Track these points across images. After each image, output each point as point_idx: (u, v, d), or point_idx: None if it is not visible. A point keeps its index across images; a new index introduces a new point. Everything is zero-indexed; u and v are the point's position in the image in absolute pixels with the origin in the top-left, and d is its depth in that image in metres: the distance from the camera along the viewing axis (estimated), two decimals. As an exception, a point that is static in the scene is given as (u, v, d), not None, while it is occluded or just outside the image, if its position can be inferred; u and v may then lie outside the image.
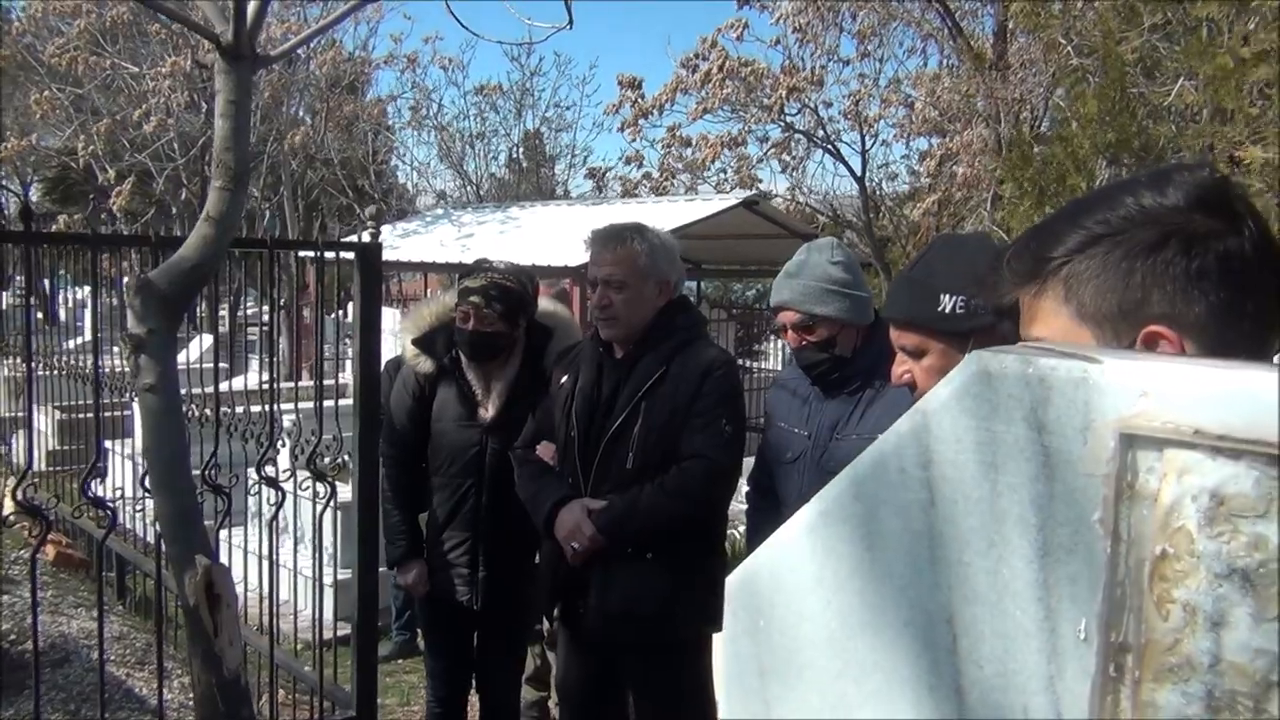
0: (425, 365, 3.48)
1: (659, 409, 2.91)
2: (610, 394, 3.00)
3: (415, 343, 3.50)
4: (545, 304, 3.58)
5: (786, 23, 15.15)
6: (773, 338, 17.76)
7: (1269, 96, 4.90)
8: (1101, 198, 1.08)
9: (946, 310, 1.95)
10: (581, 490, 2.99)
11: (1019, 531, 0.66)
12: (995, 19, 6.82)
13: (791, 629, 0.85)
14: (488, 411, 3.43)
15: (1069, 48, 5.75)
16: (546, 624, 4.48)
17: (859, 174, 17.24)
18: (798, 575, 0.85)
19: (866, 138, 16.98)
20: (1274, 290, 0.99)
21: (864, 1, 12.97)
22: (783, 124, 16.33)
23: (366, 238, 3.59)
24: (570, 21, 4.07)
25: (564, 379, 3.14)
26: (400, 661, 5.59)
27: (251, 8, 2.63)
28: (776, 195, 17.74)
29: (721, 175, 18.11)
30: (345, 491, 4.02)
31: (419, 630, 5.66)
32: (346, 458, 3.77)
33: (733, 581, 0.94)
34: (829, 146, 16.99)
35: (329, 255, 3.57)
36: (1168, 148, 5.41)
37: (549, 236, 12.08)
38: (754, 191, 15.16)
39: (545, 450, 3.18)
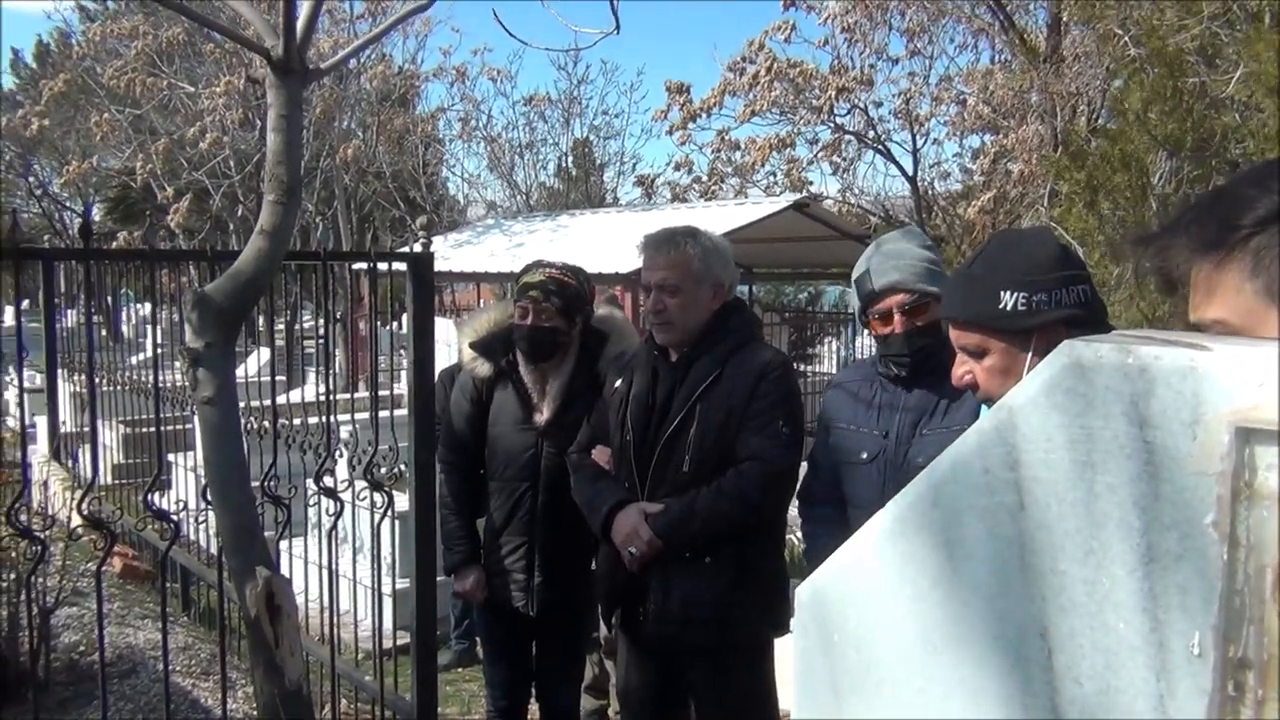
0: (483, 369, 3.48)
1: (714, 411, 2.87)
2: (665, 397, 2.97)
3: (473, 346, 3.50)
4: (600, 309, 3.57)
5: (834, 23, 15.04)
6: (828, 340, 17.61)
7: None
8: None
9: (1008, 308, 1.88)
10: (638, 494, 2.96)
11: (1120, 536, 0.61)
12: (1048, 11, 6.68)
13: (867, 644, 0.81)
14: (543, 414, 3.41)
15: (1125, 38, 5.61)
16: (604, 631, 4.46)
17: (910, 174, 17.07)
18: (873, 587, 0.80)
19: (918, 137, 16.83)
20: None
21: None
22: (832, 125, 16.22)
23: (419, 248, 3.59)
24: (617, 26, 4.05)
25: (618, 383, 3.11)
26: (460, 670, 5.60)
27: (301, 23, 2.64)
28: (827, 197, 17.63)
29: (771, 178, 18.06)
30: (402, 501, 4.03)
31: (478, 639, 5.68)
32: (403, 467, 3.77)
33: (803, 594, 0.89)
34: (880, 147, 16.85)
35: (382, 266, 3.57)
36: (1231, 138, 5.25)
37: (599, 243, 12.11)
38: (804, 194, 15.07)
39: (600, 454, 3.16)
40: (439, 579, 3.68)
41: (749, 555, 2.91)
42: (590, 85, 25.32)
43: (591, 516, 3.03)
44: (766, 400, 2.86)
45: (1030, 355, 1.90)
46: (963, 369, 1.99)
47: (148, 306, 11.69)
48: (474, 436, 3.52)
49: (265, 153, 2.72)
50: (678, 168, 19.12)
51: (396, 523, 3.96)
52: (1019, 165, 10.53)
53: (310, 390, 8.23)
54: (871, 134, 16.41)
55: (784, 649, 3.30)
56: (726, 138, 17.50)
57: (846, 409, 2.84)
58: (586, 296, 3.44)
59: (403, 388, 4.77)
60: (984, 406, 2.02)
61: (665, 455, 2.92)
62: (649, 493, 2.94)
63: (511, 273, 13.58)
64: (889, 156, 17.08)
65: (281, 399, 4.83)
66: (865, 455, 2.72)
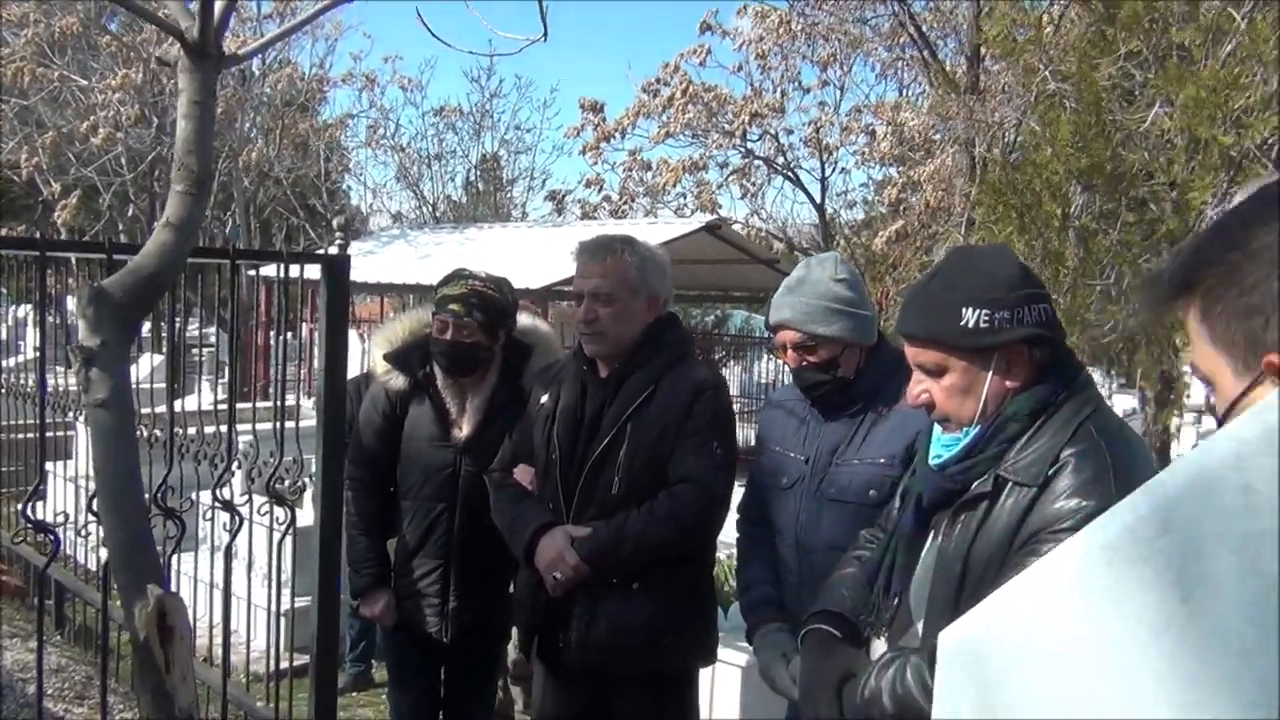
0: (397, 382, 3.30)
1: (647, 430, 2.76)
2: (595, 414, 2.85)
3: (387, 357, 3.32)
4: (524, 320, 3.42)
5: (749, 49, 15.19)
6: (733, 364, 17.72)
7: (1246, 125, 4.90)
8: (1250, 211, 0.98)
9: (970, 325, 1.82)
10: (563, 517, 2.83)
11: None
12: (968, 44, 6.82)
13: (1052, 710, 0.64)
14: (462, 431, 3.25)
15: (1045, 73, 5.73)
16: (510, 655, 4.30)
17: (818, 201, 17.33)
18: (1065, 637, 0.64)
19: (826, 165, 17.10)
20: None
21: (829, 30, 13.00)
22: (743, 150, 16.35)
23: (334, 250, 3.40)
24: (545, 33, 3.96)
25: (544, 398, 2.98)
26: (355, 694, 5.35)
27: (219, 5, 2.46)
28: (736, 221, 17.75)
29: (681, 200, 18.12)
30: (304, 516, 3.82)
31: (374, 662, 5.45)
32: (307, 480, 3.57)
33: (948, 646, 0.73)
34: (789, 173, 17.06)
35: (293, 270, 3.37)
36: (1141, 174, 5.40)
37: (508, 258, 11.91)
38: (715, 216, 15.14)
39: (523, 474, 3.02)
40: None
41: (679, 581, 2.80)
42: (503, 99, 25.05)
43: (513, 540, 2.88)
44: (701, 420, 2.76)
45: (991, 375, 1.84)
46: (920, 388, 1.92)
47: (25, 308, 11.08)
48: (385, 452, 3.33)
49: (160, 152, 2.52)
50: (589, 185, 19.06)
51: (297, 539, 3.74)
52: (927, 196, 10.74)
53: (204, 398, 7.86)
54: (781, 160, 16.60)
55: (709, 677, 3.19)
56: (639, 158, 17.52)
57: (778, 429, 2.78)
58: (510, 309, 3.29)
59: (300, 399, 4.56)
60: (941, 430, 1.95)
61: (594, 475, 2.80)
62: (575, 515, 2.81)
63: (418, 285, 13.30)
64: (798, 183, 17.33)
65: (175, 406, 4.56)
66: (785, 481, 2.68)
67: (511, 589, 3.23)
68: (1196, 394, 8.67)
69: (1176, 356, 6.10)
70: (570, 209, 20.86)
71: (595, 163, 17.60)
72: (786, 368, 2.79)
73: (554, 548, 2.75)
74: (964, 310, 1.82)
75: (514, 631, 3.45)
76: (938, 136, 13.03)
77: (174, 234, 2.43)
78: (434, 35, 3.68)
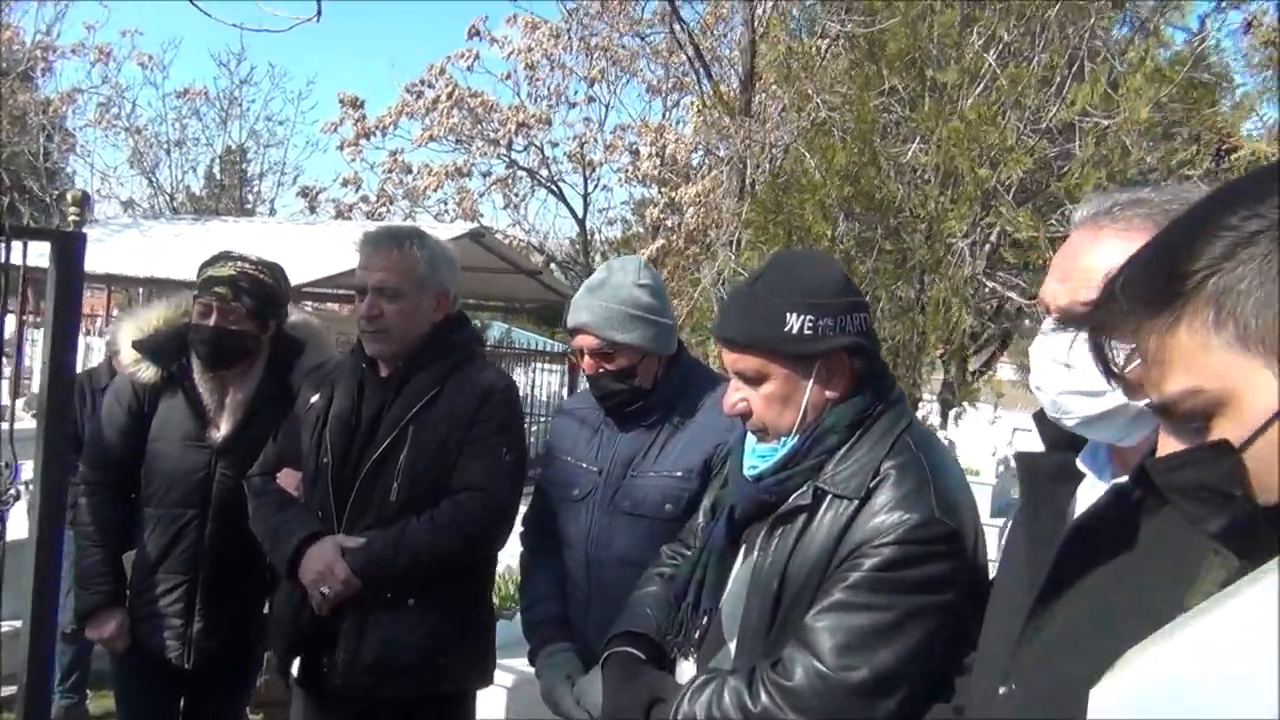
0: (147, 373, 2.93)
1: (430, 434, 2.57)
2: (372, 416, 2.63)
3: (137, 346, 2.94)
4: (296, 314, 3.14)
5: (518, 58, 15.09)
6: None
7: (1000, 161, 5.29)
8: (1238, 193, 0.84)
9: (793, 331, 1.77)
10: (334, 526, 2.59)
11: None
12: (743, 67, 7.03)
13: None
14: (220, 430, 2.92)
15: (817, 100, 5.97)
16: (261, 679, 3.95)
17: (580, 216, 17.47)
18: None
19: (589, 181, 17.26)
20: None
21: (606, 42, 13.11)
22: (508, 159, 16.23)
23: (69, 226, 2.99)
24: (319, 13, 3.71)
25: (315, 397, 2.73)
26: (68, 729, 4.76)
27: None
28: (498, 231, 17.59)
29: (442, 205, 17.74)
30: (15, 529, 3.33)
31: (89, 694, 4.88)
32: (23, 488, 3.11)
33: (1103, 704, 0.60)
34: (553, 186, 17.09)
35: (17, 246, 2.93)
36: (904, 204, 5.72)
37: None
38: (476, 224, 14.92)
39: (288, 479, 2.75)
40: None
41: (458, 596, 2.62)
42: (254, 87, 23.65)
43: (275, 551, 2.61)
44: (490, 425, 2.60)
45: (812, 384, 1.80)
46: (737, 395, 1.86)
47: None
48: (129, 453, 2.95)
49: None
50: (346, 184, 18.30)
51: (6, 554, 3.25)
52: (689, 218, 11.00)
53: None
54: (545, 173, 16.60)
55: (485, 700, 3.01)
56: (400, 159, 17.00)
57: (569, 439, 2.67)
58: (283, 298, 3.00)
59: (5, 399, 4.00)
60: (756, 441, 1.90)
61: (370, 482, 2.58)
62: (348, 524, 2.58)
63: (151, 279, 12.25)
64: (560, 197, 17.38)
65: None
66: (576, 492, 2.56)
67: (267, 608, 2.94)
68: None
69: (919, 378, 6.48)
70: (324, 208, 19.97)
71: (354, 160, 16.94)
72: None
73: (322, 559, 2.51)
74: (788, 316, 1.77)
75: (267, 656, 3.14)
76: (699, 160, 13.44)
77: None
78: (199, 8, 3.36)
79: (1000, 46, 5.75)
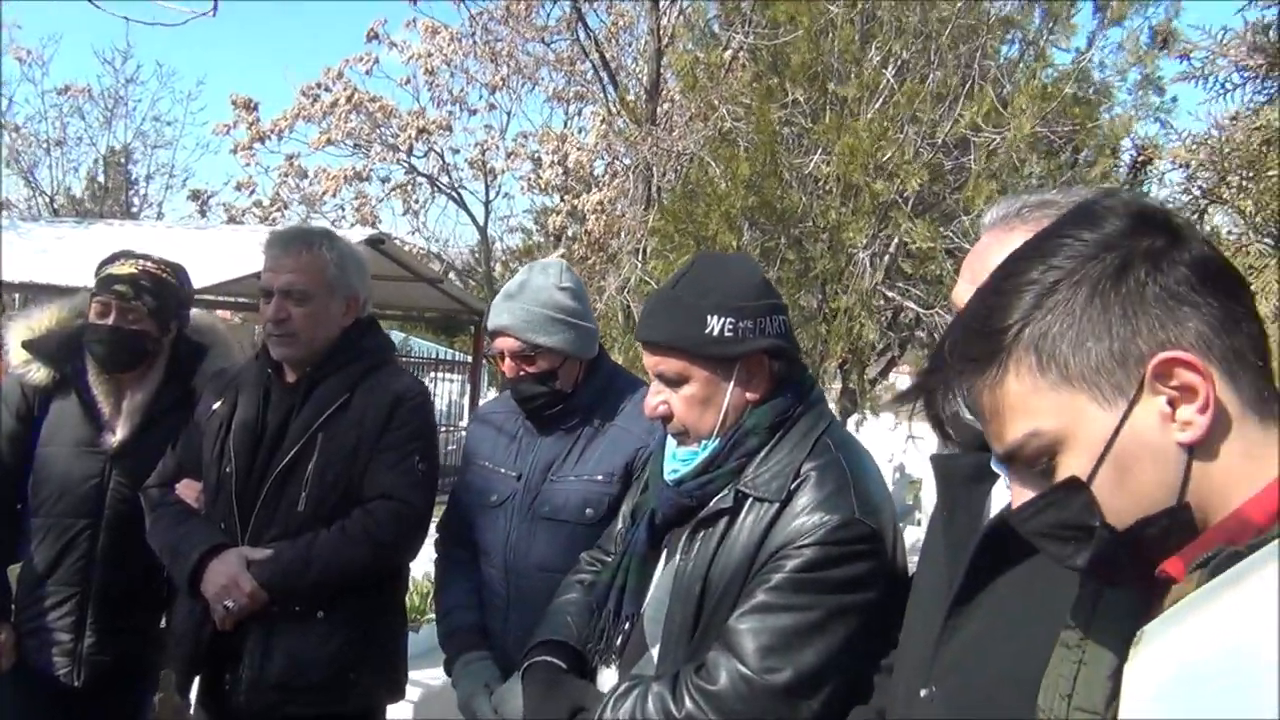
0: (38, 375, 2.79)
1: (340, 442, 2.51)
2: (279, 424, 2.55)
3: (28, 346, 2.79)
4: (200, 316, 3.03)
5: (418, 64, 14.90)
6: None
7: (896, 175, 5.43)
8: (1032, 251, 0.94)
9: (715, 333, 1.78)
10: (238, 538, 2.50)
11: None
12: (648, 76, 7.08)
13: None
14: (115, 435, 2.80)
15: (723, 110, 6.05)
16: (156, 697, 3.80)
17: (481, 224, 17.32)
18: None
19: (491, 189, 17.13)
20: (1247, 292, 0.91)
21: (510, 48, 13.03)
22: (408, 165, 16.00)
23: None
24: (215, 7, 3.62)
25: (218, 404, 2.64)
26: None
27: None
28: (396, 238, 17.32)
29: (339, 211, 17.38)
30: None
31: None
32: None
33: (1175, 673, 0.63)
34: (453, 193, 16.91)
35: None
36: (806, 215, 5.82)
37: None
38: (375, 230, 14.66)
39: (188, 489, 2.65)
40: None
41: (369, 608, 2.55)
42: (141, 86, 22.82)
43: (176, 564, 2.51)
44: (403, 432, 2.55)
45: (733, 386, 1.81)
46: (658, 398, 1.86)
47: None
48: (16, 459, 2.80)
49: None
50: (239, 188, 17.78)
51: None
52: (590, 227, 11.00)
53: None
54: (446, 179, 16.42)
55: (395, 714, 2.94)
56: (296, 164, 16.60)
57: (487, 444, 2.63)
58: (186, 299, 2.89)
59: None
60: (677, 444, 1.90)
61: (276, 491, 2.50)
62: (253, 536, 2.49)
63: (30, 283, 11.71)
64: (461, 204, 17.21)
65: None
66: (495, 498, 2.53)
67: (165, 622, 2.82)
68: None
69: (822, 386, 6.59)
70: (215, 212, 19.38)
71: (247, 164, 16.48)
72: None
73: (226, 572, 2.42)
74: (709, 318, 1.78)
75: (164, 674, 3.01)
76: (602, 169, 13.47)
77: None
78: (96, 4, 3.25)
79: (898, 63, 5.92)
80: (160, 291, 2.79)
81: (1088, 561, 0.91)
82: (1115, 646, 0.94)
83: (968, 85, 6.10)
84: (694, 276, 1.86)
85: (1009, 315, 0.90)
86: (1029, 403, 0.90)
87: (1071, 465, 0.90)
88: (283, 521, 2.49)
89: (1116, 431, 0.87)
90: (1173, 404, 0.87)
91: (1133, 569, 0.91)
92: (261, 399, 2.59)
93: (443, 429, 13.12)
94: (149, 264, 2.81)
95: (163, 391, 2.85)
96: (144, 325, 2.77)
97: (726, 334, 1.78)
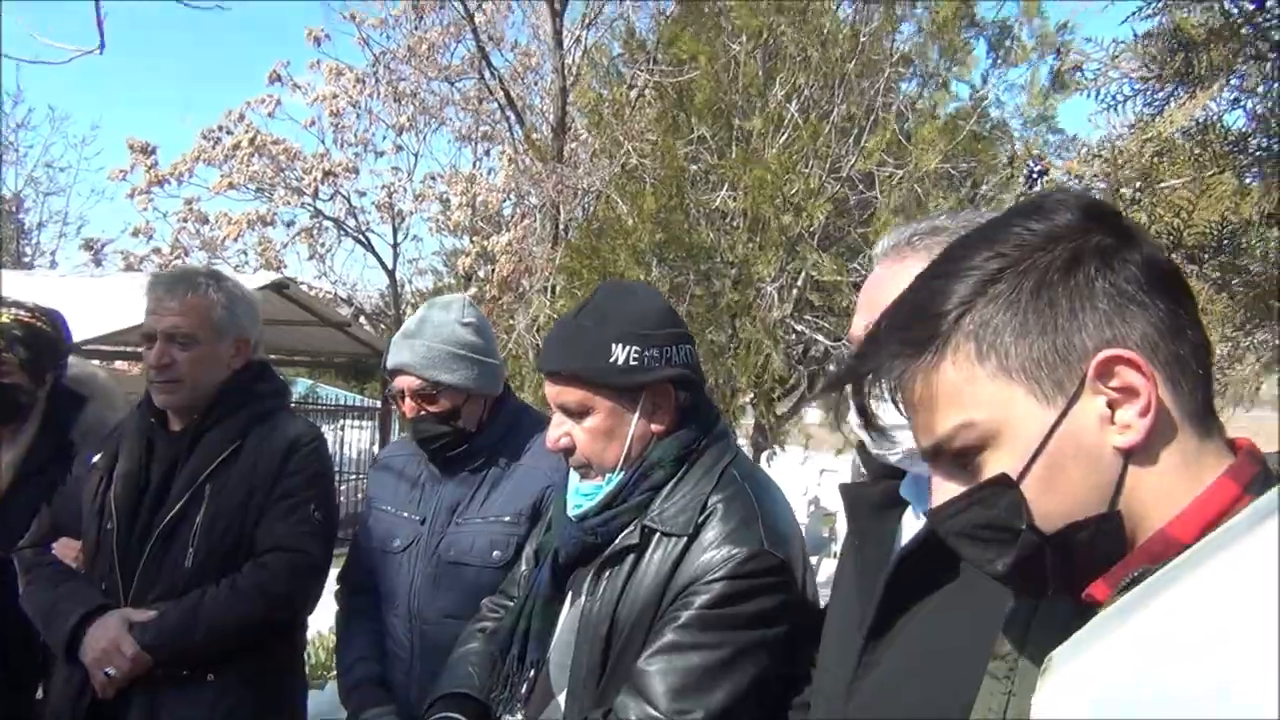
0: None
1: (230, 493, 2.38)
2: (163, 476, 2.41)
3: None
4: (78, 365, 2.87)
5: (323, 105, 14.70)
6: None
7: (802, 209, 5.48)
8: (980, 237, 0.90)
9: (619, 362, 1.73)
10: (119, 599, 2.35)
11: None
12: (554, 114, 7.07)
13: None
14: None
15: (629, 146, 6.06)
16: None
17: (390, 267, 17.07)
18: None
19: (399, 231, 16.91)
20: (1192, 300, 0.88)
21: (416, 88, 12.93)
22: (313, 209, 15.72)
23: None
24: (102, 45, 3.54)
25: (97, 458, 2.49)
26: None
27: None
28: (302, 282, 16.99)
29: (242, 256, 16.96)
30: None
31: None
32: None
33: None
34: (361, 236, 16.65)
35: None
36: (714, 249, 5.85)
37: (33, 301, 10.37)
38: (280, 275, 14.34)
39: (66, 549, 2.49)
40: None
41: (264, 667, 2.41)
42: (32, 131, 22.10)
43: (51, 630, 2.35)
44: (297, 479, 2.43)
45: (637, 417, 1.76)
46: (560, 430, 1.79)
47: None
48: None
49: None
50: (136, 234, 17.25)
51: None
52: (501, 267, 10.91)
53: None
54: (353, 222, 16.17)
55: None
56: (195, 208, 16.19)
57: (388, 489, 2.54)
58: (62, 348, 2.74)
59: None
60: (580, 479, 1.83)
61: (161, 548, 2.36)
62: (136, 596, 2.35)
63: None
64: (369, 248, 16.95)
65: None
66: (398, 543, 2.43)
67: (41, 693, 2.64)
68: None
69: (732, 421, 6.61)
70: (111, 259, 18.76)
71: (145, 209, 16.00)
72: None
73: (106, 636, 2.27)
74: (614, 346, 1.73)
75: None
76: (510, 209, 13.42)
77: None
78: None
79: (801, 98, 6.01)
80: (34, 342, 2.65)
81: (1009, 566, 0.87)
82: None
83: (871, 119, 6.22)
84: (597, 305, 1.81)
85: (950, 299, 0.87)
86: (963, 392, 0.86)
87: (1002, 462, 0.85)
88: (168, 580, 2.35)
89: (1053, 429, 0.83)
90: (1112, 406, 0.84)
91: (1056, 579, 0.86)
92: (144, 450, 2.45)
93: (352, 477, 12.83)
94: (22, 312, 2.66)
95: (37, 446, 2.70)
96: (16, 378, 2.62)
97: (631, 362, 1.73)
